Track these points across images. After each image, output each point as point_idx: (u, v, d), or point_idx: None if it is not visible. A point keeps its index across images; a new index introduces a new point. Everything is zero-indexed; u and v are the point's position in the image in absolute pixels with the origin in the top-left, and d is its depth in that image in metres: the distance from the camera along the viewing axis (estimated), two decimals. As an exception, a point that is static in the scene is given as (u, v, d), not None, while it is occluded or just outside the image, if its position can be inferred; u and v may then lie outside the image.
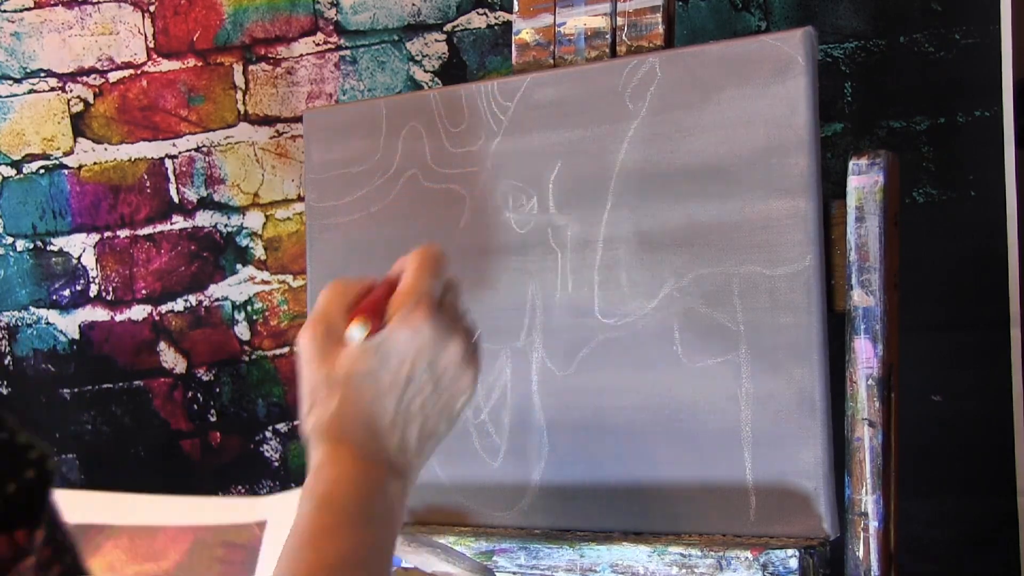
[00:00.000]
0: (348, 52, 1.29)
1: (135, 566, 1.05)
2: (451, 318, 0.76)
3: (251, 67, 1.31)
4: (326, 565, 0.67)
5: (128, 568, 1.05)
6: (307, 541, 0.68)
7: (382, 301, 0.74)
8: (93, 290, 1.36)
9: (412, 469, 0.76)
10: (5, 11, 1.35)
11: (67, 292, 1.36)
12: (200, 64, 1.32)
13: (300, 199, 1.31)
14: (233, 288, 1.33)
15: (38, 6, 1.35)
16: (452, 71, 1.26)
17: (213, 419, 1.35)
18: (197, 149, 1.33)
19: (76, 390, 1.37)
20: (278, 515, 1.08)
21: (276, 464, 1.34)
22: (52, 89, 1.35)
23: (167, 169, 1.34)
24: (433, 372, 0.74)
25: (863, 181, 0.82)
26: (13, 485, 0.42)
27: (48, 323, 1.37)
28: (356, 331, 0.71)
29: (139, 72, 1.34)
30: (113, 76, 1.34)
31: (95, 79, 1.34)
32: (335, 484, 0.70)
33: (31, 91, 1.35)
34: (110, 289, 1.36)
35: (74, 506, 1.10)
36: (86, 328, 1.36)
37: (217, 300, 1.34)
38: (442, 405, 0.76)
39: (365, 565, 0.68)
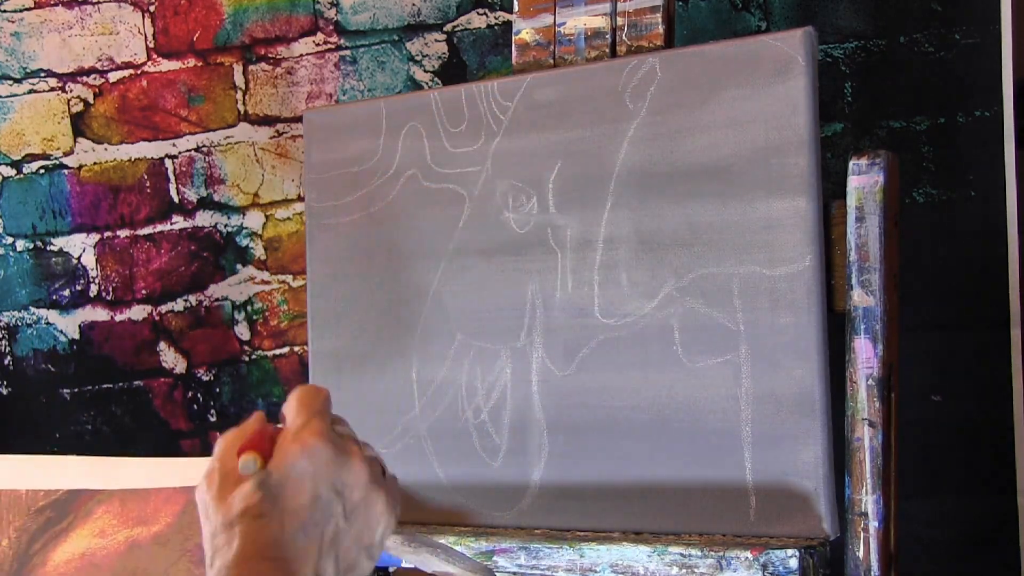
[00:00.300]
0: (348, 52, 1.29)
1: (126, 530, 1.04)
2: (346, 441, 0.70)
3: (251, 67, 1.31)
4: None
5: (119, 533, 1.04)
6: None
7: (273, 437, 0.69)
8: (93, 290, 1.36)
9: None
10: (5, 11, 1.35)
11: (67, 292, 1.37)
12: (200, 64, 1.32)
13: (300, 199, 1.31)
14: (233, 288, 1.33)
15: (38, 6, 1.35)
16: (452, 71, 1.26)
17: (213, 419, 1.35)
18: (197, 149, 1.33)
19: (76, 390, 1.37)
20: None
21: (276, 464, 1.33)
22: (52, 89, 1.35)
23: (167, 169, 1.34)
24: (339, 495, 0.68)
25: (863, 181, 0.82)
26: None
27: (48, 323, 1.37)
28: (248, 463, 0.66)
29: (139, 72, 1.34)
30: (113, 76, 1.34)
31: (95, 79, 1.34)
32: None
33: (31, 91, 1.35)
34: (110, 289, 1.36)
35: (64, 471, 1.09)
36: (86, 328, 1.36)
37: (217, 300, 1.34)
38: (356, 534, 0.70)
39: None
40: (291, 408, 0.70)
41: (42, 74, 1.35)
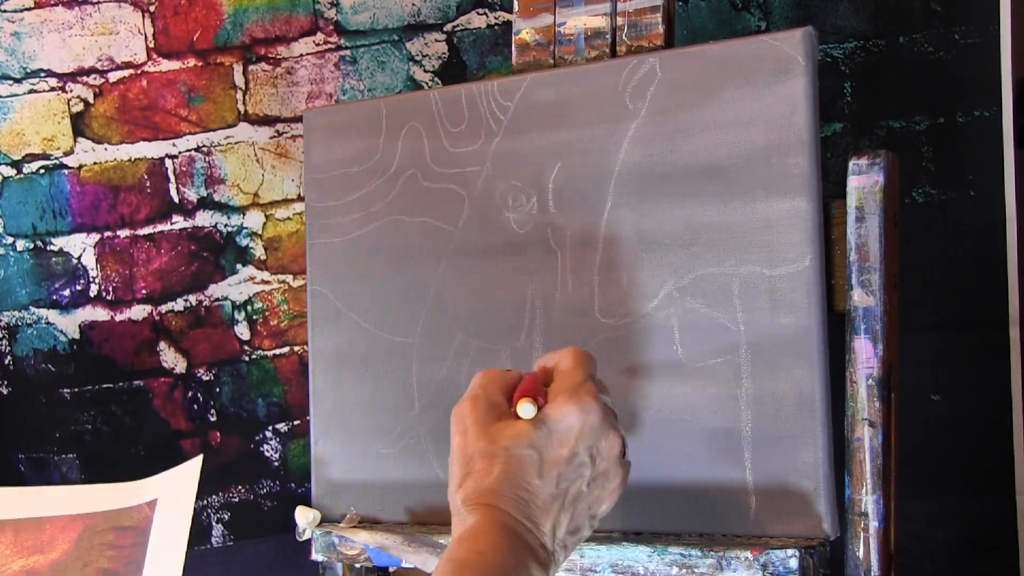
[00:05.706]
0: (348, 52, 1.29)
1: (21, 560, 1.03)
2: (610, 412, 0.75)
3: (251, 67, 1.31)
4: None
5: (14, 563, 1.03)
6: None
7: (540, 386, 0.75)
8: (93, 290, 1.36)
9: (554, 563, 0.72)
10: (5, 11, 1.35)
11: (67, 292, 1.37)
12: (200, 64, 1.32)
13: (300, 199, 1.31)
14: (233, 288, 1.33)
15: (38, 6, 1.35)
16: (452, 71, 1.26)
17: (213, 419, 1.35)
18: (197, 149, 1.33)
19: (76, 390, 1.37)
20: (168, 490, 1.06)
21: (276, 464, 1.34)
22: (52, 89, 1.35)
23: (167, 169, 1.34)
24: (592, 458, 0.73)
25: (863, 181, 0.82)
26: None
27: (48, 323, 1.37)
28: (527, 408, 0.71)
29: (139, 72, 1.34)
30: (113, 76, 1.34)
31: (95, 79, 1.34)
32: (481, 555, 0.67)
33: (31, 91, 1.35)
34: (110, 289, 1.36)
35: None
36: (86, 328, 1.36)
37: (217, 300, 1.34)
38: (591, 500, 0.74)
39: None
40: (568, 364, 0.75)
41: (42, 74, 1.35)
